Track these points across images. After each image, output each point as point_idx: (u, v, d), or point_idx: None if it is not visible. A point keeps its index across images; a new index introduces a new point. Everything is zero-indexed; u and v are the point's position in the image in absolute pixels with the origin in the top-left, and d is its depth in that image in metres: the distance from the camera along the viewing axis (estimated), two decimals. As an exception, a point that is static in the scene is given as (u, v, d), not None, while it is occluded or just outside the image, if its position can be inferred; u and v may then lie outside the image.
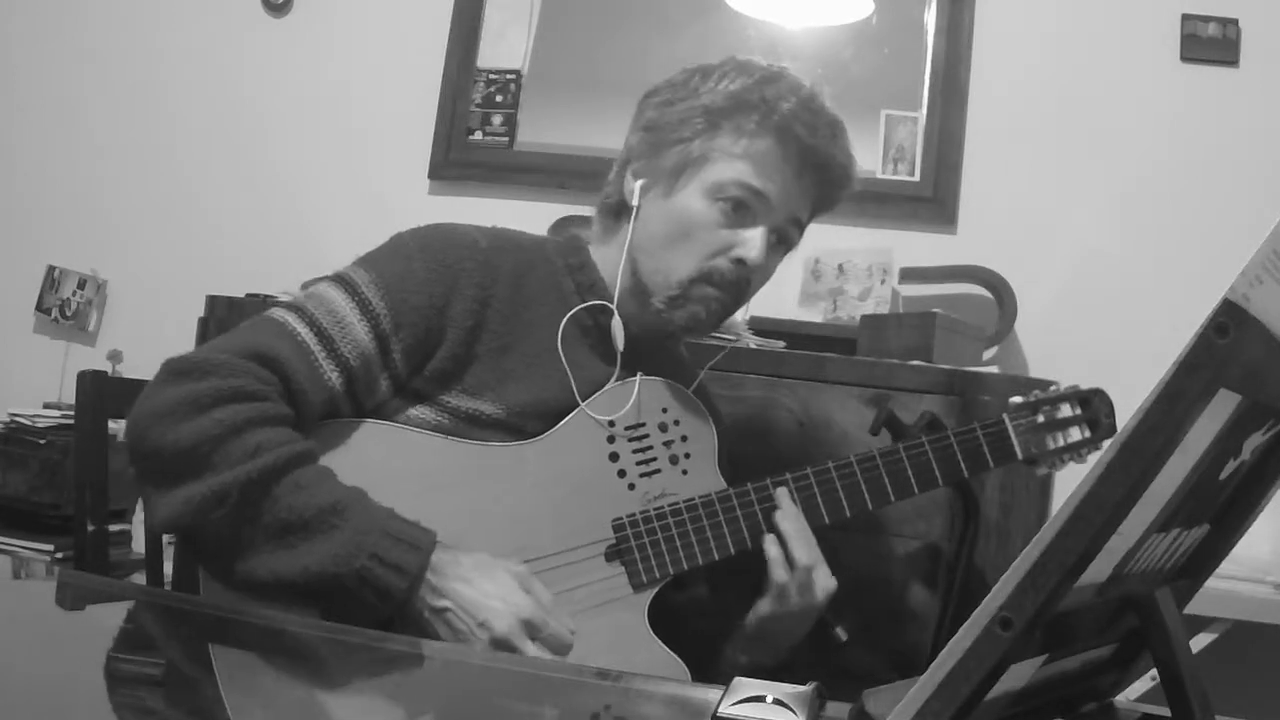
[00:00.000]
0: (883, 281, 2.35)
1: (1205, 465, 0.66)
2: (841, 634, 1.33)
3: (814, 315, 2.35)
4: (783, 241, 1.36)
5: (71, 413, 2.12)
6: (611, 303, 1.35)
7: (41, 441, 2.44)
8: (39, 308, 2.85)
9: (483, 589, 1.14)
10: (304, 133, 2.75)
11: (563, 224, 2.33)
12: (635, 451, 1.32)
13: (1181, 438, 0.58)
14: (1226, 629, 1.83)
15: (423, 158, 2.67)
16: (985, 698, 0.60)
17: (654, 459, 1.32)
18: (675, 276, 1.32)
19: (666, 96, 1.36)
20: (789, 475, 1.32)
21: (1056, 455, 1.35)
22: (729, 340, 2.01)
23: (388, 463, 1.23)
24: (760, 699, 0.75)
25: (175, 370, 1.18)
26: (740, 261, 1.31)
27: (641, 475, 1.31)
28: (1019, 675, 0.67)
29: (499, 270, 1.32)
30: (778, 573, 1.28)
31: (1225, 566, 0.88)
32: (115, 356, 2.65)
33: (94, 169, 2.87)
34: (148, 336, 2.46)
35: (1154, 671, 0.75)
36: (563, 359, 1.31)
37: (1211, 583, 0.88)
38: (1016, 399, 1.36)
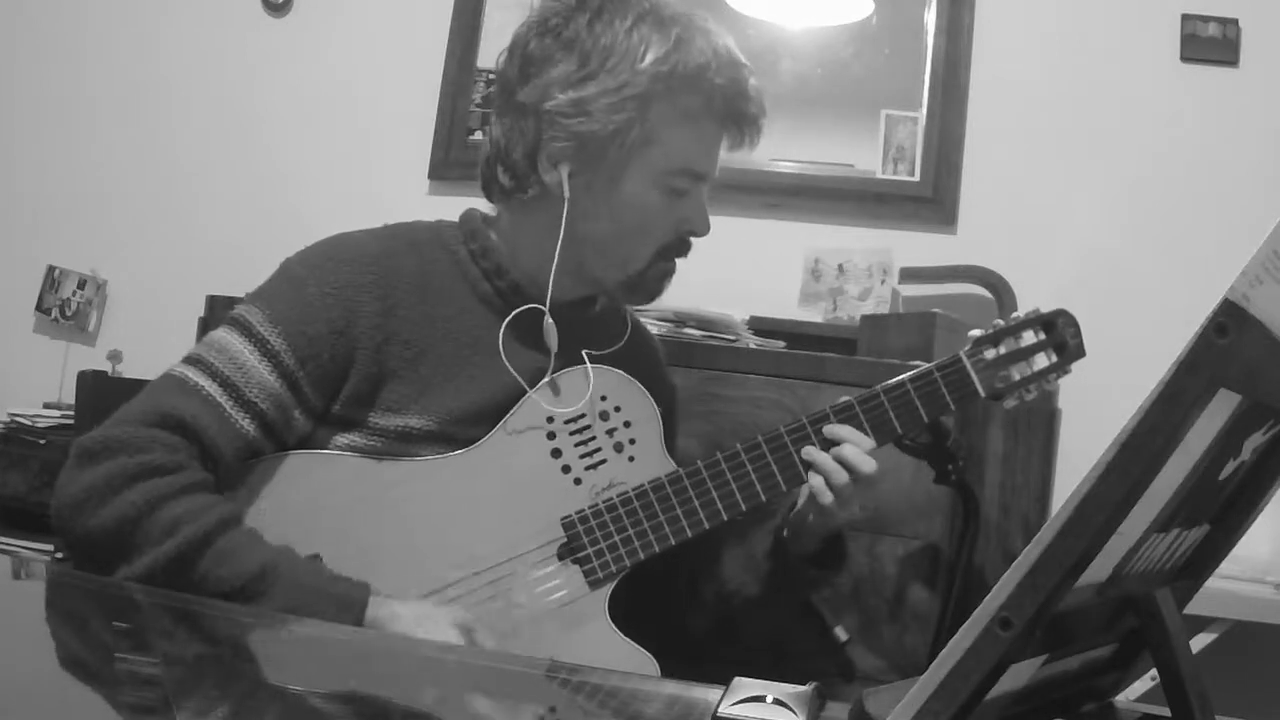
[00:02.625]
0: (883, 281, 2.35)
1: (1205, 465, 0.66)
2: (841, 634, 1.32)
3: (814, 315, 2.35)
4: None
5: (71, 413, 2.12)
6: (531, 292, 1.30)
7: (41, 441, 2.44)
8: (39, 308, 2.85)
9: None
10: (304, 133, 2.75)
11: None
12: (578, 445, 1.28)
13: (1181, 438, 0.58)
14: (1226, 629, 1.83)
15: (423, 158, 2.67)
16: (985, 698, 0.60)
17: (598, 450, 1.28)
18: (633, 266, 1.30)
19: (571, 71, 1.25)
20: (739, 445, 1.28)
21: (1022, 386, 1.31)
22: (729, 340, 2.01)
23: (326, 495, 1.21)
24: (760, 699, 0.75)
25: (83, 453, 1.16)
26: (690, 233, 1.31)
27: (587, 468, 1.28)
28: (1019, 675, 0.67)
29: (398, 273, 1.28)
30: (823, 496, 1.26)
31: (1225, 566, 0.88)
32: (115, 356, 2.65)
33: (94, 169, 2.87)
34: (148, 336, 2.47)
35: (1154, 671, 0.75)
36: (504, 357, 1.27)
37: (1211, 583, 0.88)
38: (975, 332, 1.32)
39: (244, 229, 2.74)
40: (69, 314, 2.82)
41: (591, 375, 1.30)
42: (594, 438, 1.29)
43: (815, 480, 1.26)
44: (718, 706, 0.75)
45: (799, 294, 2.38)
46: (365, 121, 2.72)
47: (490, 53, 2.66)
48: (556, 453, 1.28)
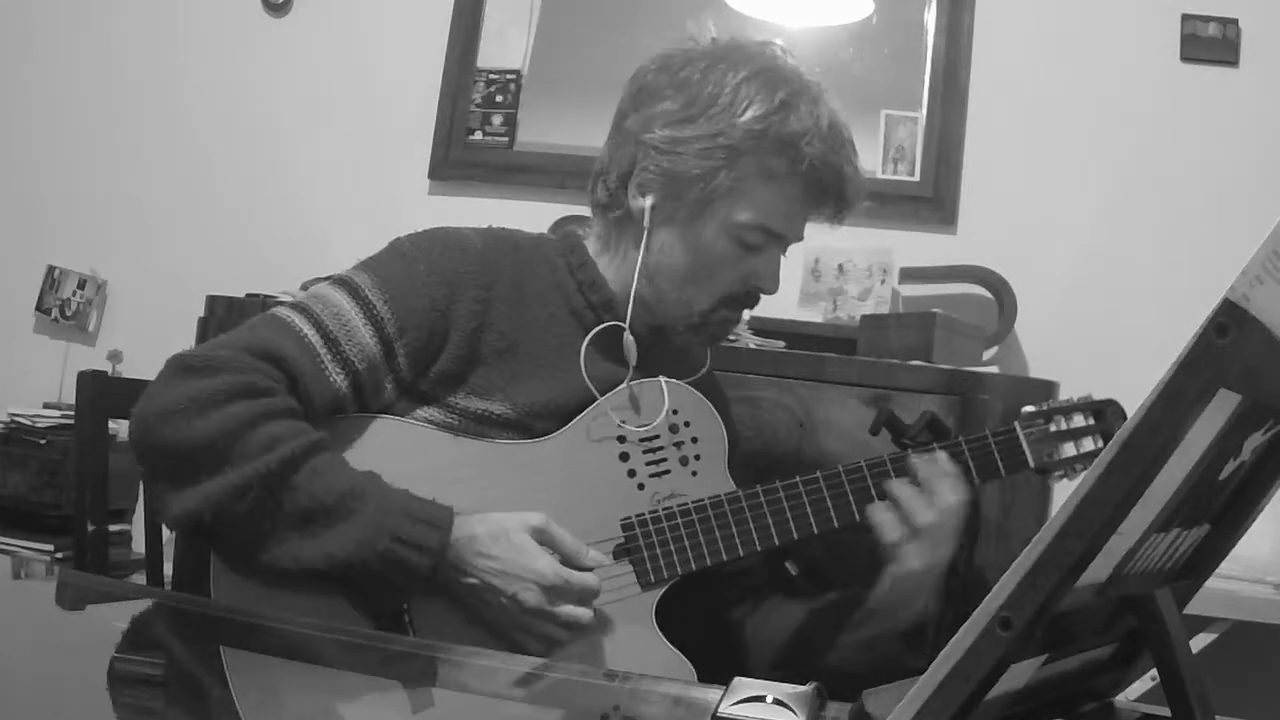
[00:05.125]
0: (883, 281, 2.35)
1: (1205, 465, 0.66)
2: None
3: (814, 315, 2.35)
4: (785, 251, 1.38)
5: (71, 413, 2.12)
6: (620, 310, 1.34)
7: (41, 441, 2.44)
8: (39, 308, 2.85)
9: (505, 562, 1.17)
10: (304, 133, 2.75)
11: (563, 224, 2.33)
12: (645, 452, 1.32)
13: (1181, 438, 0.57)
14: (1226, 629, 1.83)
15: (423, 158, 2.67)
16: (985, 698, 0.60)
17: (664, 460, 1.33)
18: (697, 308, 1.34)
19: (675, 110, 1.30)
20: (799, 479, 1.31)
21: (1069, 464, 1.35)
22: (729, 340, 2.01)
23: (400, 459, 1.24)
24: (760, 699, 0.75)
25: (183, 367, 1.18)
26: (758, 289, 1.34)
27: (651, 476, 1.32)
28: (1019, 675, 0.67)
29: (498, 271, 1.33)
30: (889, 534, 1.27)
31: (1225, 566, 0.88)
32: (115, 356, 2.66)
33: (94, 169, 2.87)
34: (148, 336, 2.46)
35: (1154, 671, 0.75)
36: (584, 375, 1.31)
37: (1211, 583, 0.88)
38: (1029, 408, 1.36)
39: (244, 229, 2.74)
40: (69, 314, 2.82)
41: (666, 391, 1.34)
42: (662, 448, 1.33)
43: (883, 517, 1.28)
44: (718, 706, 0.75)
45: (799, 294, 2.38)
46: (365, 121, 2.72)
47: (490, 53, 2.67)
48: (624, 456, 1.32)
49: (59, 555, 2.31)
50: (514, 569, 1.17)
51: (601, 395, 1.32)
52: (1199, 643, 1.81)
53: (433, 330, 1.27)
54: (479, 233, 1.37)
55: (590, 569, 1.21)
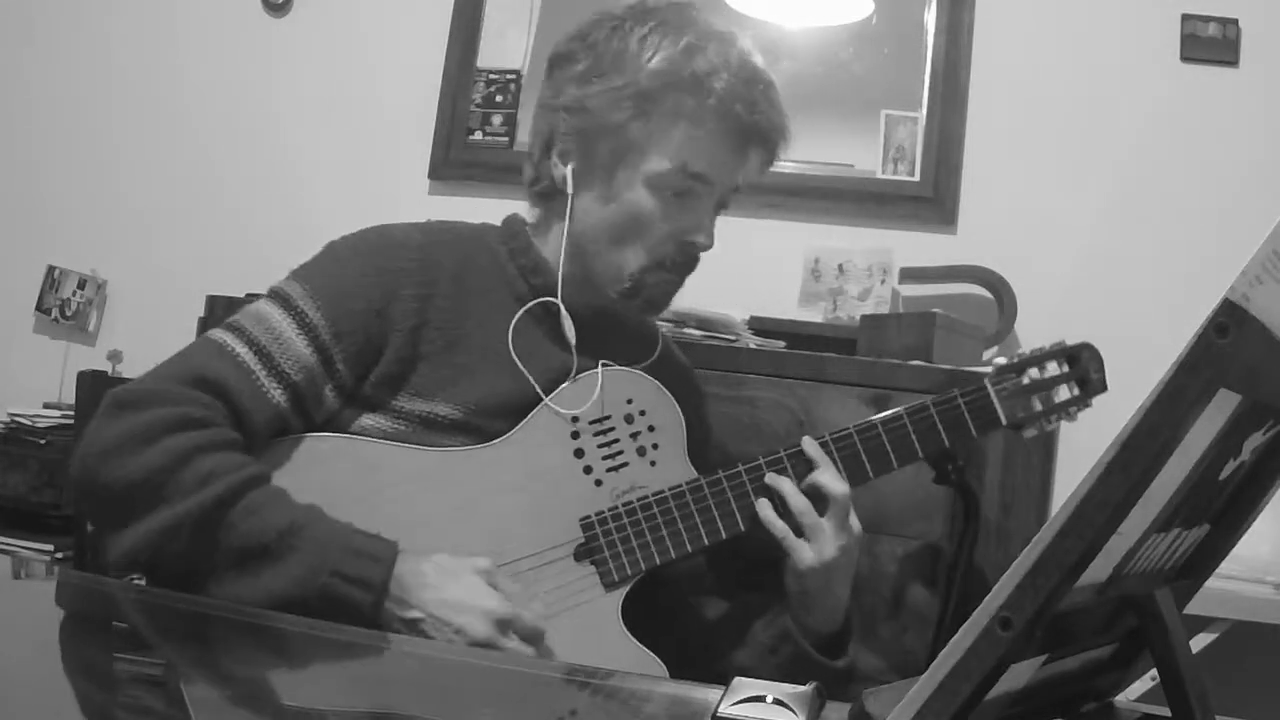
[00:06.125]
0: (883, 281, 2.35)
1: (1205, 465, 0.66)
2: None
3: (814, 315, 2.35)
4: (722, 205, 1.34)
5: (71, 413, 2.12)
6: (556, 292, 1.31)
7: (41, 441, 2.44)
8: (39, 308, 2.85)
9: (451, 595, 1.12)
10: (304, 133, 2.75)
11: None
12: (601, 446, 1.28)
13: (1181, 438, 0.57)
14: (1226, 629, 1.83)
15: (423, 158, 2.67)
16: (985, 698, 0.60)
17: (620, 453, 1.28)
18: (627, 270, 1.29)
19: (584, 69, 1.29)
20: (762, 459, 1.28)
21: (1044, 416, 1.31)
22: (729, 340, 2.01)
23: (348, 479, 1.21)
24: (760, 699, 0.75)
25: (118, 403, 1.16)
26: (691, 244, 1.30)
27: (608, 470, 1.28)
28: (1019, 675, 0.67)
29: (438, 265, 1.30)
30: (774, 531, 1.25)
31: (1225, 566, 0.88)
32: (115, 356, 2.65)
33: (94, 169, 2.87)
34: (148, 336, 2.46)
35: (1154, 671, 0.75)
36: (514, 356, 1.28)
37: (1211, 583, 0.88)
38: (1000, 360, 1.32)
39: (244, 229, 2.74)
40: (69, 314, 2.82)
41: (608, 378, 1.30)
42: (617, 440, 1.29)
43: (765, 510, 1.26)
44: (718, 706, 0.75)
45: (799, 294, 2.38)
46: (365, 121, 2.72)
47: (490, 53, 2.67)
48: (579, 453, 1.28)
49: (59, 555, 2.31)
50: (462, 603, 1.12)
51: (551, 382, 1.28)
52: (1199, 643, 1.81)
53: (369, 332, 1.25)
54: (418, 227, 1.34)
55: (541, 616, 1.16)
